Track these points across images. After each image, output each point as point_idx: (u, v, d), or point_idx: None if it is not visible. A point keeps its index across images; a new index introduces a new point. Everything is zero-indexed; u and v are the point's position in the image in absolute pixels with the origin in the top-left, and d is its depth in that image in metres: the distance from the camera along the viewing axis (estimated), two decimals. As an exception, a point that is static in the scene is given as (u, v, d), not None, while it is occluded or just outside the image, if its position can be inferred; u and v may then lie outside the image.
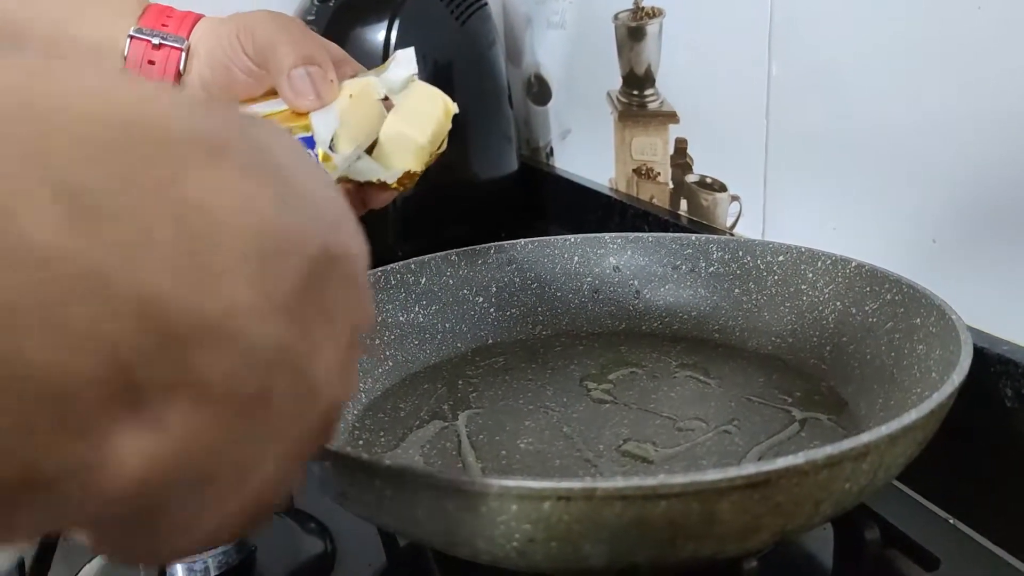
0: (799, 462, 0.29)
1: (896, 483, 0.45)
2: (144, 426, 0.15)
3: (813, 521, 0.33)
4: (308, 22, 0.86)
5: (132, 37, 0.46)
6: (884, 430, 0.31)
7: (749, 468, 0.29)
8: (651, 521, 0.29)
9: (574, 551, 0.30)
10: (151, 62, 0.46)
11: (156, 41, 0.46)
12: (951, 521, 0.43)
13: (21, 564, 0.43)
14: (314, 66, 0.45)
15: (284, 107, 0.46)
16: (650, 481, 0.29)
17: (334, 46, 0.48)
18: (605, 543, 0.30)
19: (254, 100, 0.48)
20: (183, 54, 0.47)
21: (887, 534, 0.39)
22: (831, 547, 0.41)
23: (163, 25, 0.47)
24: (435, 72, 0.89)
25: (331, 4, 0.86)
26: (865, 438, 0.30)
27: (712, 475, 0.29)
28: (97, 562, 0.44)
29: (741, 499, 0.29)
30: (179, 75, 0.47)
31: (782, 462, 0.29)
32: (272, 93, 0.47)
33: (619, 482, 0.29)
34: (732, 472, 0.29)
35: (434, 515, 0.31)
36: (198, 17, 0.48)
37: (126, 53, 0.46)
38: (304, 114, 0.45)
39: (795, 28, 0.61)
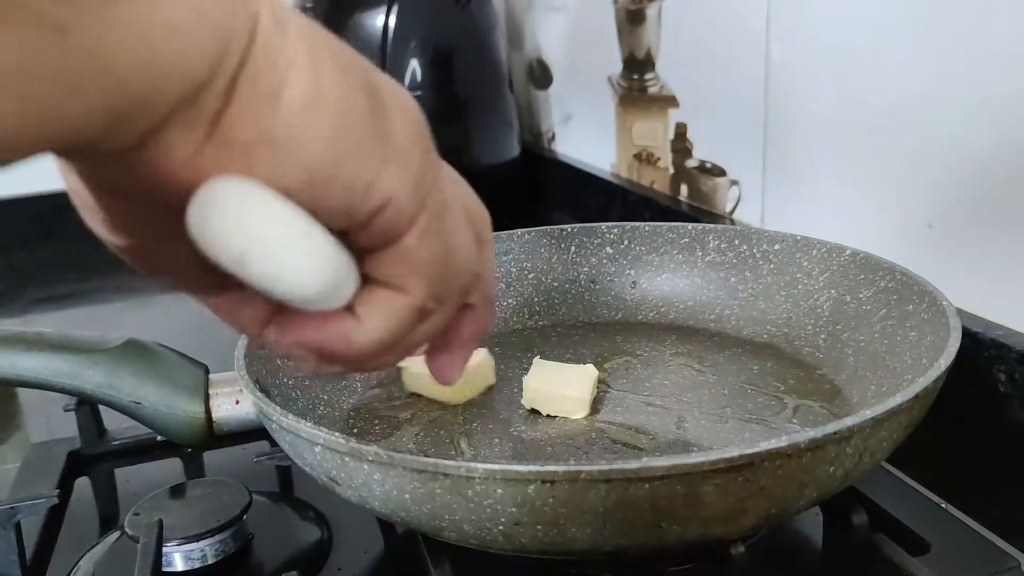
0: (781, 445, 0.29)
1: (889, 467, 0.46)
2: None
3: (799, 505, 0.33)
4: (306, 8, 0.86)
5: None
6: (868, 414, 0.31)
7: (732, 451, 0.29)
8: (636, 505, 0.30)
9: (560, 534, 0.31)
10: None
11: None
12: (943, 505, 0.43)
13: (22, 555, 0.43)
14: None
15: None
16: (633, 464, 0.29)
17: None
18: (590, 526, 0.30)
19: None
20: None
21: (876, 518, 0.39)
22: (821, 532, 0.41)
23: None
24: (436, 58, 0.89)
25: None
26: (848, 421, 0.31)
27: (695, 458, 0.29)
28: (96, 552, 0.45)
29: (725, 482, 0.30)
30: None
31: (764, 445, 0.29)
32: None
33: (603, 465, 0.29)
34: (715, 455, 0.29)
35: (421, 499, 0.31)
36: None
37: None
38: None
39: (793, 11, 0.61)
